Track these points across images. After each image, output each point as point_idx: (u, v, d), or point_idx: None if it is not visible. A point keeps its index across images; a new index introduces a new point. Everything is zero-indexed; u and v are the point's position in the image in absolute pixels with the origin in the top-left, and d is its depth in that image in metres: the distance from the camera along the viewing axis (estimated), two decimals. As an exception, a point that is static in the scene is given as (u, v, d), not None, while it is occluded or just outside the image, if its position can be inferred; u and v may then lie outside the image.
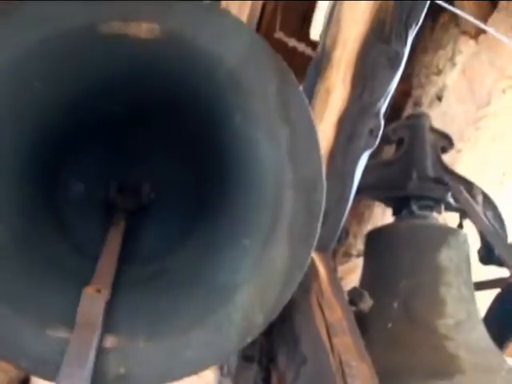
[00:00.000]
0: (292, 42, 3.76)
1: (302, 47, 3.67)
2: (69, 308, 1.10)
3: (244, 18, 3.26)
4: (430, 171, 2.20)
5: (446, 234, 2.05)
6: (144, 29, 1.08)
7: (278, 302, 1.25)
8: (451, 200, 2.19)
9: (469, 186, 2.27)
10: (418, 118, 2.32)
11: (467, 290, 1.98)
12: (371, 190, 2.21)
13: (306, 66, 1.84)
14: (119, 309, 1.13)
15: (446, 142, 2.31)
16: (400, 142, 2.31)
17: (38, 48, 1.07)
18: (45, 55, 1.09)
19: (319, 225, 1.30)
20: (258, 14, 3.39)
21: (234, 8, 3.22)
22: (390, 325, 1.91)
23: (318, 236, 1.30)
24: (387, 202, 2.33)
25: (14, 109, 1.13)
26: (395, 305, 1.94)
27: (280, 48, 3.95)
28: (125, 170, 1.43)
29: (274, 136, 1.17)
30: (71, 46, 1.10)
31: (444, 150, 2.31)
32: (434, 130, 2.29)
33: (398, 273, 2.03)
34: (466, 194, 2.16)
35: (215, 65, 1.13)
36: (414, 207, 2.13)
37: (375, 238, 2.25)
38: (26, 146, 1.20)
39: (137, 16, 1.08)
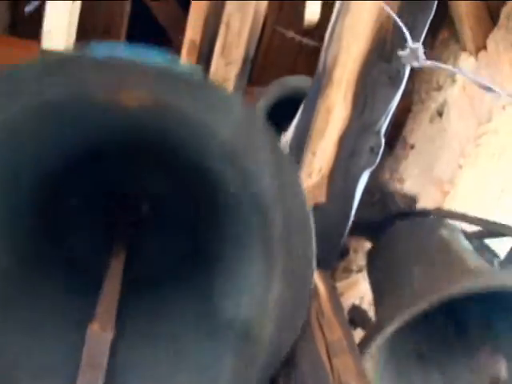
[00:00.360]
0: (289, 34, 3.80)
1: (298, 37, 3.72)
2: (68, 352, 1.11)
3: (247, 28, 3.30)
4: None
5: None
6: (134, 98, 1.07)
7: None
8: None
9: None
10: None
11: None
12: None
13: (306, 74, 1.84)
14: (120, 351, 1.14)
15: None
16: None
17: (23, 115, 1.06)
18: (32, 121, 1.08)
19: (305, 313, 1.30)
20: (260, 24, 3.43)
21: (236, 19, 3.25)
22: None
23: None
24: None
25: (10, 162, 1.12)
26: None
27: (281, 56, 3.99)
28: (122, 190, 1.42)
29: (268, 215, 1.16)
30: (58, 112, 1.09)
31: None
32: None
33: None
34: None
35: (207, 137, 1.13)
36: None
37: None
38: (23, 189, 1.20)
39: (128, 86, 1.07)
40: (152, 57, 1.14)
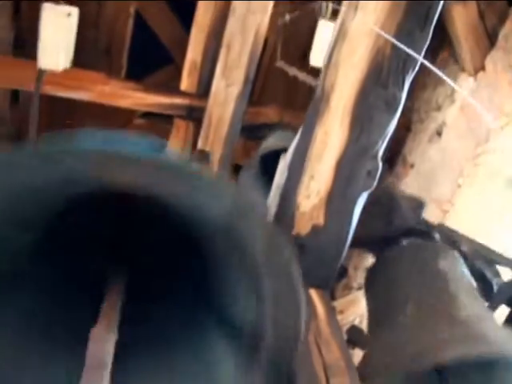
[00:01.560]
0: (293, 71, 3.82)
1: (302, 76, 3.73)
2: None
3: (247, 50, 3.34)
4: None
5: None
6: (128, 187, 1.10)
7: None
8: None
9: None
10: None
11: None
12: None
13: (306, 95, 1.87)
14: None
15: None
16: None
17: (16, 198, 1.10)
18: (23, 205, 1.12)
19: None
20: (260, 46, 3.47)
21: (237, 41, 3.29)
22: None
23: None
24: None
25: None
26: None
27: (281, 77, 4.02)
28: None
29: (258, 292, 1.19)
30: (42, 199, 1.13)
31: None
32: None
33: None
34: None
35: (203, 225, 1.16)
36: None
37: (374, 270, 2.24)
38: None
39: (122, 176, 1.09)
40: (142, 146, 1.16)
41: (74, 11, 2.18)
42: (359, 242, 2.05)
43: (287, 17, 3.77)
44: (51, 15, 2.04)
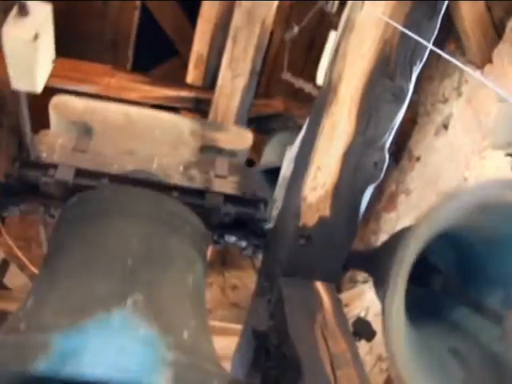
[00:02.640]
0: (299, 83, 3.81)
1: (309, 88, 3.72)
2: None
3: (253, 42, 3.33)
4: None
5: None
6: None
7: None
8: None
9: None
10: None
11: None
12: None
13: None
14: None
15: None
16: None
17: None
18: None
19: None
20: (266, 38, 3.46)
21: (243, 33, 3.29)
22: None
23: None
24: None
25: None
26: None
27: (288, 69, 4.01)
28: None
29: None
30: None
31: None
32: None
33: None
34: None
35: None
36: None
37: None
38: None
39: None
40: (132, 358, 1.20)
41: (45, 27, 1.75)
42: (352, 262, 2.04)
43: (295, 29, 3.75)
44: (13, 42, 1.71)
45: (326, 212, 1.82)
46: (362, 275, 4.27)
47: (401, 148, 4.12)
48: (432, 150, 3.79)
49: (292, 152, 1.96)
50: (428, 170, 3.79)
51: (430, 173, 3.73)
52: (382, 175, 1.78)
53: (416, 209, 3.78)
